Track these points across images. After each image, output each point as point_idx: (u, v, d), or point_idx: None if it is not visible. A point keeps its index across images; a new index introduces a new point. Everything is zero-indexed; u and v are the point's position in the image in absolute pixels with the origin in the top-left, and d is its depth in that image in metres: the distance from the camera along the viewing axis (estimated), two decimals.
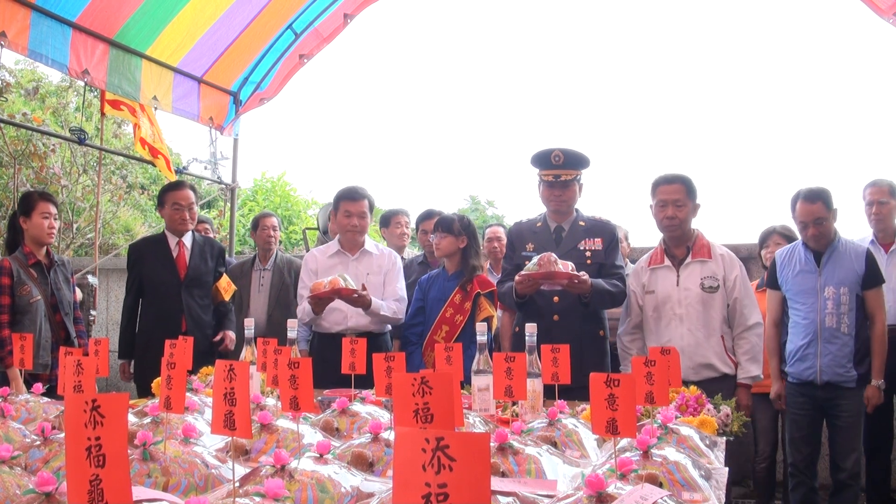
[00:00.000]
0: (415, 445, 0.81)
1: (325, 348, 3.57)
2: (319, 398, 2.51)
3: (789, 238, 3.99)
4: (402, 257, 4.15)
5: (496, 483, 1.41)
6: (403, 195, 30.23)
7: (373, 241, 3.97)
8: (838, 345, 3.45)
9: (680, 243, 3.36)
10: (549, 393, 2.32)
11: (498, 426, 1.95)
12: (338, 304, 3.57)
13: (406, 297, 3.79)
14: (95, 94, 6.47)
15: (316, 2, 5.40)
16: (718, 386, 2.90)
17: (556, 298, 3.31)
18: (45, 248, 3.81)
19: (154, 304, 4.08)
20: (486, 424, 2.10)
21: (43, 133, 7.92)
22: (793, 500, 3.67)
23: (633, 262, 4.47)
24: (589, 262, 3.31)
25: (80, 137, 5.00)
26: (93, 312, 4.82)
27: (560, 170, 3.34)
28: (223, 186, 6.97)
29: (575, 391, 2.33)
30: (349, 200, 3.77)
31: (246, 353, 2.55)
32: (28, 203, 3.76)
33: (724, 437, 2.14)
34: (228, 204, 6.48)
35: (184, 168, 6.78)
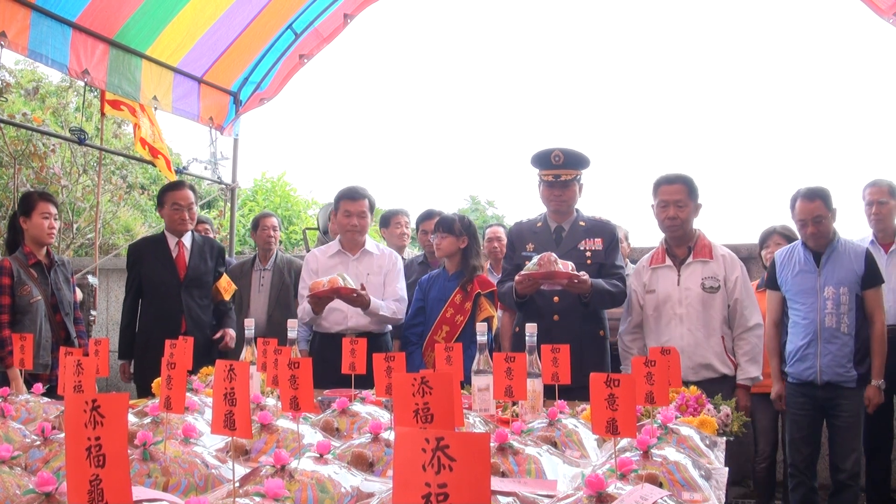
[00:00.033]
0: (415, 445, 0.81)
1: (325, 348, 3.57)
2: (319, 398, 2.51)
3: (789, 238, 3.99)
4: (402, 257, 4.15)
5: (496, 483, 1.41)
6: (403, 195, 30.23)
7: (373, 242, 3.97)
8: (838, 345, 3.45)
9: (681, 243, 3.36)
10: (549, 393, 2.32)
11: (498, 426, 1.95)
12: (338, 304, 3.57)
13: (406, 297, 3.79)
14: (95, 94, 6.47)
15: (316, 2, 5.40)
16: (718, 387, 2.89)
17: (556, 298, 3.31)
18: (45, 248, 3.81)
19: (154, 305, 4.08)
20: (486, 424, 2.10)
21: (43, 133, 7.92)
22: (792, 500, 3.67)
23: (634, 262, 4.47)
24: (589, 262, 3.31)
25: (80, 137, 5.00)
26: (93, 312, 4.82)
27: (560, 170, 3.34)
28: (223, 186, 6.97)
29: (575, 391, 2.33)
30: (349, 200, 3.77)
31: (246, 353, 2.55)
32: (28, 203, 3.76)
33: (724, 437, 2.14)
34: (228, 204, 6.48)
35: (184, 168, 6.77)
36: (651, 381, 1.87)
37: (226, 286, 4.22)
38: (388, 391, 2.08)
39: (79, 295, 4.23)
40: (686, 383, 2.49)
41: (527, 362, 2.17)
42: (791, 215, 3.63)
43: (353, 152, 35.89)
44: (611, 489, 1.25)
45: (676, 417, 2.07)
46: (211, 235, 4.96)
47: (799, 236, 3.71)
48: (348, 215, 3.76)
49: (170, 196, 4.10)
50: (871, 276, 3.48)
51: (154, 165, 5.66)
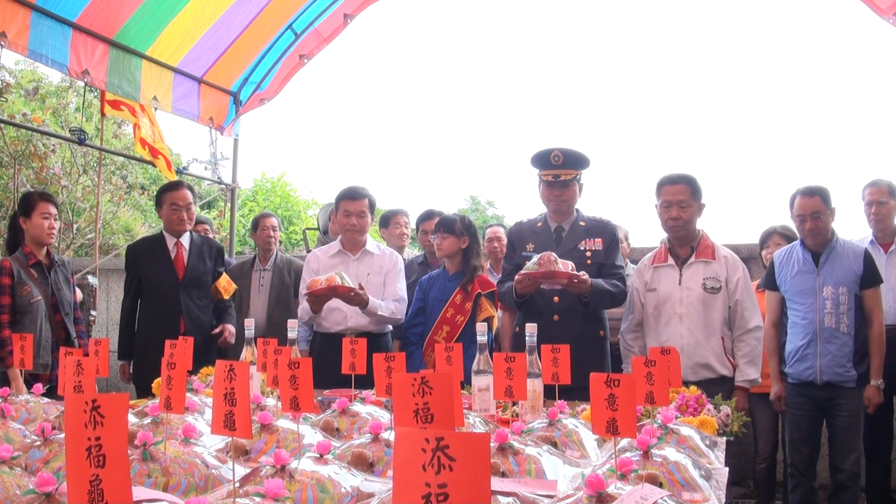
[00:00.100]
0: (415, 445, 0.81)
1: (325, 348, 3.57)
2: (319, 398, 2.51)
3: (790, 238, 3.99)
4: (402, 258, 4.15)
5: (496, 483, 1.41)
6: (403, 195, 30.22)
7: (374, 242, 3.97)
8: (837, 345, 3.45)
9: (684, 243, 3.36)
10: (550, 393, 2.32)
11: (498, 426, 1.95)
12: (338, 303, 3.57)
13: (406, 297, 3.79)
14: (95, 94, 6.47)
15: (316, 2, 5.40)
16: (716, 387, 2.88)
17: (556, 298, 3.31)
18: (45, 248, 3.81)
19: (153, 305, 4.08)
20: (486, 424, 2.10)
21: (43, 133, 7.92)
22: (792, 500, 3.67)
23: (634, 262, 4.47)
24: (589, 262, 3.31)
25: (80, 138, 5.00)
26: (93, 313, 4.82)
27: (559, 170, 3.34)
28: (223, 187, 6.97)
29: (575, 391, 2.33)
30: (349, 200, 3.77)
31: (246, 353, 2.55)
32: (28, 203, 3.76)
33: (724, 437, 2.14)
34: (228, 204, 6.48)
35: (184, 168, 6.78)
36: (651, 381, 1.87)
37: (225, 285, 4.22)
38: (389, 391, 2.08)
39: (79, 295, 4.23)
40: (685, 383, 2.48)
41: (527, 362, 2.17)
42: (790, 213, 3.63)
43: (353, 152, 35.90)
44: (611, 489, 1.25)
45: (676, 417, 2.07)
46: (210, 236, 4.96)
47: (797, 234, 3.71)
48: (348, 215, 3.76)
49: (168, 196, 4.10)
50: (869, 276, 3.49)
51: (154, 166, 5.66)
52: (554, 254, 3.07)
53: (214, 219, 9.02)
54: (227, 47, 5.31)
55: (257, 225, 5.02)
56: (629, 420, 1.39)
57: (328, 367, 2.77)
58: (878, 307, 3.50)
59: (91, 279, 4.90)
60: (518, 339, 3.32)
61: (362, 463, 1.62)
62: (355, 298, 3.41)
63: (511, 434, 1.73)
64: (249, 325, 2.57)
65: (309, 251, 5.52)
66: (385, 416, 2.13)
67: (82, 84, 4.99)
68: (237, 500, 1.28)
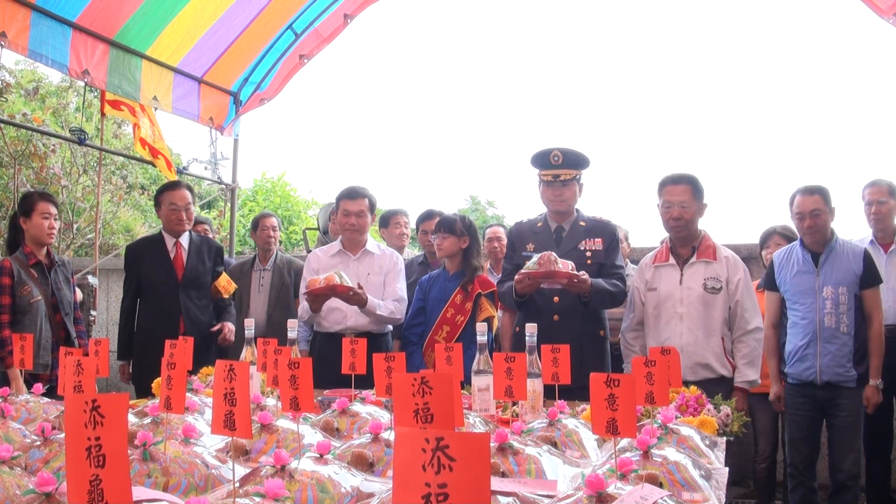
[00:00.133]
0: (415, 445, 0.81)
1: (325, 348, 3.57)
2: (319, 398, 2.51)
3: (790, 238, 3.99)
4: (402, 258, 4.15)
5: (496, 483, 1.41)
6: (403, 195, 30.22)
7: (375, 242, 3.97)
8: (837, 344, 3.45)
9: (686, 243, 3.36)
10: (550, 393, 2.32)
11: (498, 426, 1.95)
12: (338, 303, 3.57)
13: (406, 297, 3.79)
14: (95, 94, 6.48)
15: (316, 2, 5.40)
16: (715, 388, 2.88)
17: (556, 298, 3.31)
18: (45, 248, 3.81)
19: (152, 306, 4.08)
20: (486, 424, 2.10)
21: (43, 133, 7.92)
22: (792, 500, 3.67)
23: (634, 262, 4.47)
24: (589, 262, 3.31)
25: (80, 138, 5.00)
26: (93, 313, 4.82)
27: (559, 169, 3.34)
28: (223, 187, 6.97)
29: (575, 391, 2.33)
30: (348, 199, 3.77)
31: (246, 353, 2.55)
32: (28, 203, 3.76)
33: (724, 437, 2.14)
34: (228, 204, 6.48)
35: (184, 168, 6.77)
36: (651, 381, 1.87)
37: (225, 285, 4.22)
38: (389, 391, 2.08)
39: (79, 295, 4.23)
40: (685, 383, 2.48)
41: (527, 362, 2.17)
42: (790, 213, 3.63)
43: (353, 152, 35.90)
44: (611, 489, 1.25)
45: (676, 417, 2.07)
46: (210, 236, 4.96)
47: (797, 232, 3.71)
48: (347, 214, 3.77)
49: (166, 196, 4.10)
50: (869, 276, 3.49)
51: (154, 165, 5.66)
52: (554, 254, 3.07)
53: (214, 219, 9.02)
54: (227, 47, 5.31)
55: (257, 225, 5.02)
56: (629, 420, 1.39)
57: (328, 367, 2.77)
58: (877, 307, 3.50)
59: (91, 279, 4.90)
60: (518, 339, 3.32)
61: (362, 463, 1.62)
62: (354, 297, 3.41)
63: (511, 434, 1.73)
64: (249, 325, 2.57)
65: (309, 251, 5.51)
66: (385, 416, 2.13)
67: (82, 84, 4.99)
68: (237, 500, 1.28)
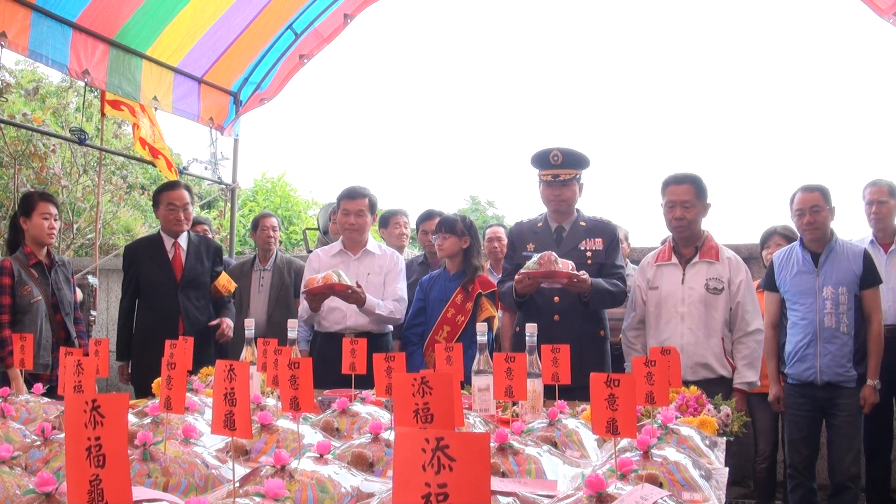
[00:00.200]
0: (415, 445, 0.81)
1: (325, 348, 3.57)
2: (319, 398, 2.51)
3: (790, 239, 3.99)
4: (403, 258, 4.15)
5: (496, 483, 1.41)
6: (403, 195, 30.25)
7: (375, 242, 3.97)
8: (838, 344, 3.45)
9: (688, 243, 3.36)
10: (550, 393, 2.32)
11: (498, 426, 1.95)
12: (337, 303, 3.57)
13: (406, 297, 3.79)
14: (95, 94, 6.48)
15: (316, 2, 5.40)
16: (714, 388, 2.87)
17: (556, 298, 3.31)
18: (45, 248, 3.81)
19: (150, 306, 4.07)
20: (486, 424, 2.10)
21: (43, 133, 7.92)
22: (792, 500, 3.67)
23: (634, 262, 4.47)
24: (589, 262, 3.31)
25: (80, 138, 5.00)
26: (93, 313, 4.82)
27: (559, 169, 3.34)
28: (223, 187, 6.97)
29: (575, 391, 2.33)
30: (348, 199, 3.77)
31: (246, 353, 2.55)
32: (28, 203, 3.76)
33: (725, 438, 2.14)
34: (229, 204, 6.48)
35: (184, 168, 6.77)
36: (651, 381, 1.87)
37: (225, 284, 4.21)
38: (389, 391, 2.08)
39: (79, 295, 4.22)
40: (684, 383, 2.48)
41: (527, 362, 2.17)
42: (790, 211, 3.64)
43: (353, 152, 35.91)
44: (611, 489, 1.25)
45: (676, 417, 2.07)
46: (209, 236, 4.96)
47: (796, 231, 3.72)
48: (347, 214, 3.77)
49: (165, 196, 4.09)
50: (869, 277, 3.49)
51: (154, 166, 5.66)
52: (554, 253, 3.07)
53: (214, 219, 9.03)
54: (227, 47, 5.31)
55: (257, 225, 5.01)
56: (629, 420, 1.39)
57: (328, 366, 2.77)
58: (877, 307, 3.50)
59: (91, 279, 4.90)
60: (518, 339, 3.32)
61: (362, 463, 1.62)
62: (352, 296, 3.41)
63: (511, 434, 1.73)
64: (249, 325, 2.56)
65: (309, 251, 5.52)
66: (385, 416, 2.13)
67: (82, 84, 4.99)
68: (237, 500, 1.28)
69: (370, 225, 3.92)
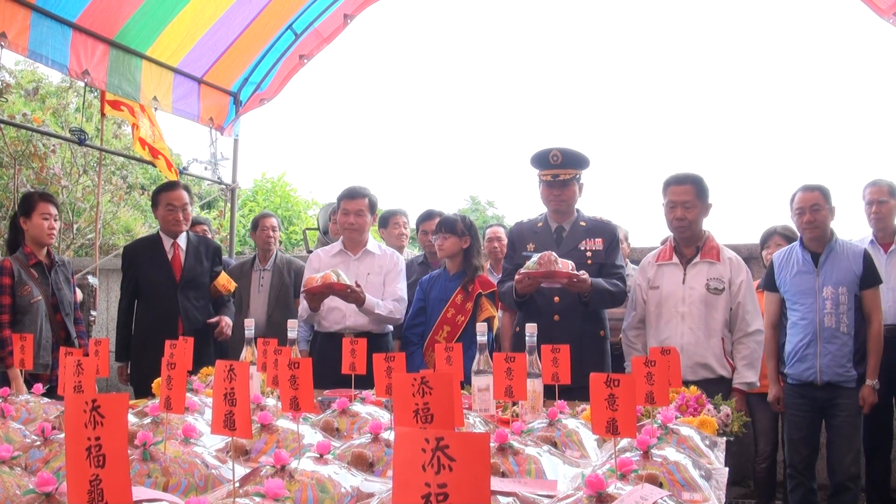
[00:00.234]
0: (415, 445, 0.81)
1: (325, 348, 3.57)
2: (319, 398, 2.51)
3: (790, 239, 3.99)
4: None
5: (496, 483, 1.41)
6: (403, 195, 30.25)
7: (376, 242, 3.97)
8: (838, 344, 3.45)
9: (690, 243, 3.36)
10: (550, 393, 2.32)
11: (498, 426, 1.95)
12: (337, 303, 3.57)
13: (406, 297, 3.79)
14: (95, 94, 6.48)
15: (316, 2, 5.40)
16: (714, 388, 2.87)
17: (556, 298, 3.31)
18: (45, 248, 3.81)
19: (150, 307, 4.07)
20: (486, 424, 2.10)
21: (43, 134, 7.92)
22: (792, 500, 3.67)
23: (634, 262, 4.47)
24: (589, 262, 3.31)
25: (80, 138, 5.00)
26: (93, 313, 4.82)
27: (558, 169, 3.34)
28: (223, 187, 6.97)
29: (575, 391, 2.33)
30: (348, 199, 3.77)
31: (246, 353, 2.55)
32: (28, 204, 3.76)
33: (724, 438, 2.14)
34: (229, 204, 6.48)
35: (184, 168, 6.78)
36: (651, 381, 1.87)
37: (225, 283, 4.21)
38: (389, 391, 2.08)
39: (79, 295, 4.22)
40: (684, 382, 2.48)
41: (527, 362, 2.17)
42: (790, 211, 3.64)
43: (353, 152, 35.91)
44: (611, 489, 1.25)
45: (676, 417, 2.07)
46: (209, 236, 4.96)
47: (796, 230, 3.72)
48: (346, 214, 3.77)
49: (163, 197, 4.09)
50: (869, 277, 3.49)
51: (154, 166, 5.66)
52: (554, 253, 3.07)
53: (214, 219, 9.03)
54: (227, 47, 5.31)
55: (257, 225, 5.01)
56: (629, 420, 1.39)
57: (328, 367, 2.77)
58: (877, 308, 3.50)
59: (91, 279, 4.90)
60: (518, 339, 3.32)
61: (362, 463, 1.62)
62: (351, 295, 3.41)
63: (511, 434, 1.73)
64: (249, 325, 2.56)
65: (309, 251, 5.51)
66: (385, 416, 2.13)
67: (82, 84, 4.99)
68: (237, 500, 1.28)
69: (370, 225, 3.92)
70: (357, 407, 2.15)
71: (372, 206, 3.82)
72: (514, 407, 2.31)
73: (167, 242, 4.11)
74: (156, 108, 5.20)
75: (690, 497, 1.46)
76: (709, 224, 3.41)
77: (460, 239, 3.75)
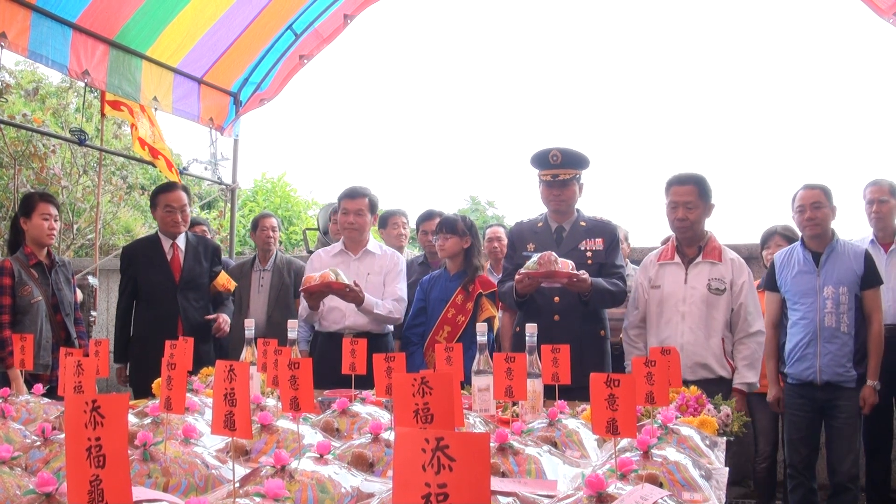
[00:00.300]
0: (415, 445, 0.82)
1: (325, 348, 3.57)
2: (320, 399, 2.51)
3: (791, 239, 3.99)
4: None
5: (496, 483, 1.41)
6: (403, 195, 30.26)
7: (376, 242, 3.97)
8: (838, 344, 3.45)
9: (692, 243, 3.36)
10: (550, 393, 2.32)
11: (498, 426, 1.95)
12: (337, 302, 3.57)
13: (406, 297, 3.79)
14: (95, 94, 6.48)
15: (316, 2, 5.41)
16: (713, 388, 2.85)
17: (556, 298, 3.31)
18: (45, 248, 3.81)
19: (149, 308, 4.06)
20: (486, 425, 2.10)
21: (43, 134, 7.92)
22: (792, 500, 3.67)
23: (634, 262, 4.47)
24: (590, 262, 3.31)
25: (80, 138, 5.00)
26: (93, 313, 4.83)
27: (558, 169, 3.34)
28: (223, 187, 6.98)
29: (575, 391, 2.33)
30: (348, 199, 3.78)
31: (246, 353, 2.55)
32: (28, 204, 3.76)
33: (725, 437, 2.14)
34: (229, 204, 6.48)
35: (184, 169, 6.78)
36: (651, 381, 1.87)
37: (224, 283, 4.21)
38: (389, 391, 2.08)
39: (79, 295, 4.22)
40: (683, 382, 2.48)
41: (527, 362, 2.17)
42: (791, 210, 3.64)
43: (353, 152, 35.91)
44: (611, 489, 1.25)
45: (677, 417, 2.07)
46: (208, 236, 4.96)
47: (797, 230, 3.72)
48: (346, 213, 3.77)
49: (162, 198, 4.09)
50: (870, 277, 3.49)
51: (154, 166, 5.66)
52: (554, 253, 3.07)
53: (214, 219, 9.03)
54: (227, 47, 5.31)
55: (257, 225, 5.01)
56: (629, 420, 1.39)
57: (328, 367, 2.77)
58: (877, 308, 3.50)
59: (91, 280, 4.91)
60: (518, 339, 3.32)
61: (362, 463, 1.62)
62: (350, 295, 3.41)
63: (511, 434, 1.73)
64: (249, 325, 2.56)
65: (309, 251, 5.51)
66: (385, 417, 2.13)
67: (82, 84, 4.99)
68: (237, 500, 1.28)
69: (370, 225, 3.92)
70: (357, 407, 2.15)
71: (372, 206, 3.82)
72: (515, 407, 2.31)
73: (166, 243, 4.10)
74: (156, 109, 5.20)
75: (691, 497, 1.46)
76: (709, 224, 3.41)
77: (461, 239, 3.75)
